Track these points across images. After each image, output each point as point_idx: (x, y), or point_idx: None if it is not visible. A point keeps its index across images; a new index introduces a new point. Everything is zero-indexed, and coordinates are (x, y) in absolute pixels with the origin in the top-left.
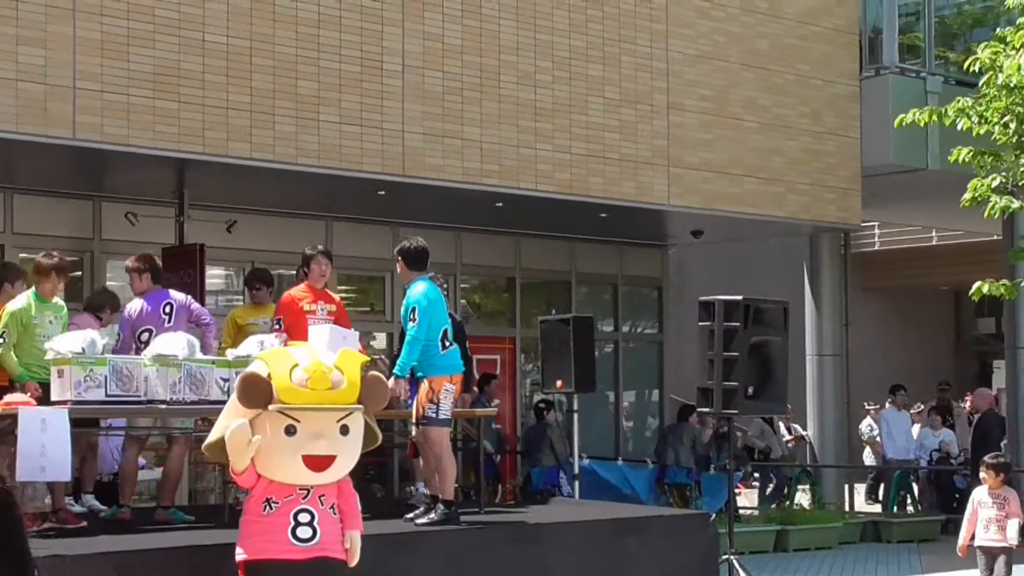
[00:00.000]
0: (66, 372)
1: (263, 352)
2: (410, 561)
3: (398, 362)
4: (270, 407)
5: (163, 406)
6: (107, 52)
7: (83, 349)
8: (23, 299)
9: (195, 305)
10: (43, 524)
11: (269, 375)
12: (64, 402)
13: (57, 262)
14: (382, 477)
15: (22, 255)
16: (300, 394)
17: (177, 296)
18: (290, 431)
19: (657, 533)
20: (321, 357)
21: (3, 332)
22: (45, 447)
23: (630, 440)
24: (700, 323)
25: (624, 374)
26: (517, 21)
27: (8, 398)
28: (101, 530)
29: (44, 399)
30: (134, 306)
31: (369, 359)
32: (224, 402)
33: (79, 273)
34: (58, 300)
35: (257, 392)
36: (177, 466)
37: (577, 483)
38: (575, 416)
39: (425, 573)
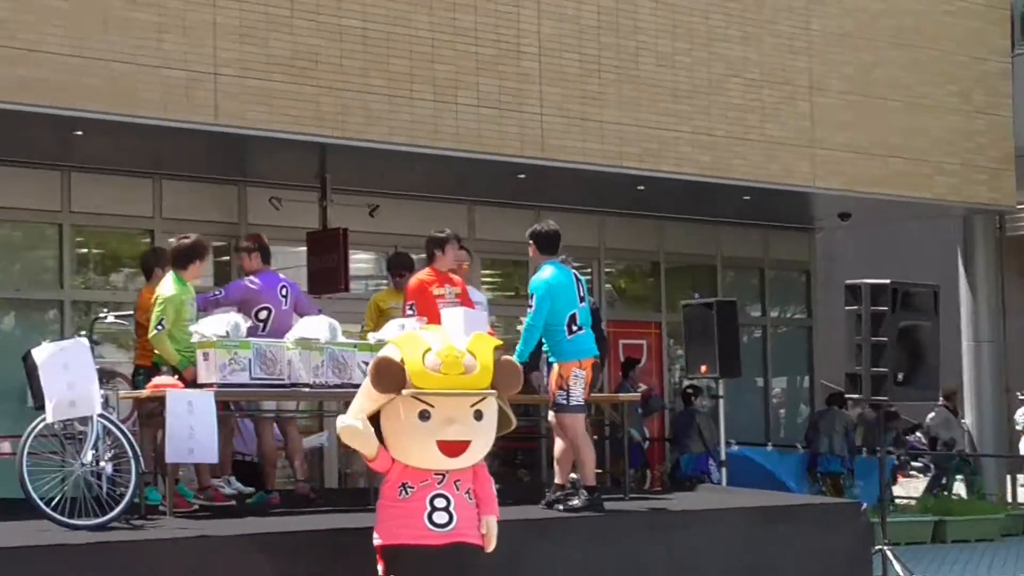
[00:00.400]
0: (211, 355)
1: (396, 336)
2: (550, 547)
3: (516, 349)
4: (404, 392)
5: (306, 389)
6: (246, 38)
7: (227, 332)
8: (171, 284)
9: (304, 295)
10: (192, 505)
11: (402, 360)
12: (210, 385)
13: (197, 242)
14: (529, 462)
15: (171, 240)
16: (433, 379)
17: (289, 280)
18: (424, 416)
19: (806, 522)
20: (453, 341)
21: (161, 318)
22: (193, 429)
23: (781, 427)
24: (847, 307)
25: (773, 359)
26: (655, 1)
27: (156, 380)
28: (248, 511)
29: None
30: (251, 283)
31: (501, 343)
32: None
33: (227, 258)
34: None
35: (390, 376)
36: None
37: (725, 470)
38: (721, 402)
39: (565, 560)
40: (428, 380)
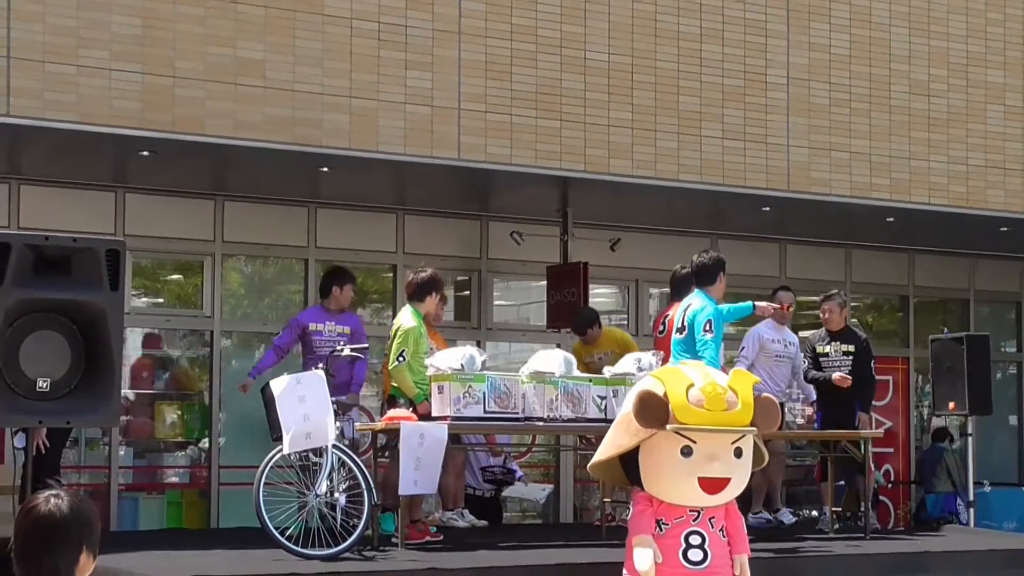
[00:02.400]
0: (446, 388)
1: (655, 371)
2: None
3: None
4: (667, 427)
5: (540, 423)
6: (491, 73)
7: (462, 366)
8: (411, 316)
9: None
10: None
11: (664, 394)
12: (444, 417)
13: (433, 275)
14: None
15: (408, 273)
16: (697, 414)
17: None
18: (686, 452)
19: None
20: (715, 377)
21: (402, 350)
22: (420, 461)
23: None
24: None
25: None
26: (910, 27)
27: (391, 413)
28: (479, 545)
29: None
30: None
31: (758, 379)
32: (601, 420)
33: (467, 293)
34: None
35: (655, 411)
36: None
37: (973, 510)
38: (969, 440)
39: None
40: (691, 415)
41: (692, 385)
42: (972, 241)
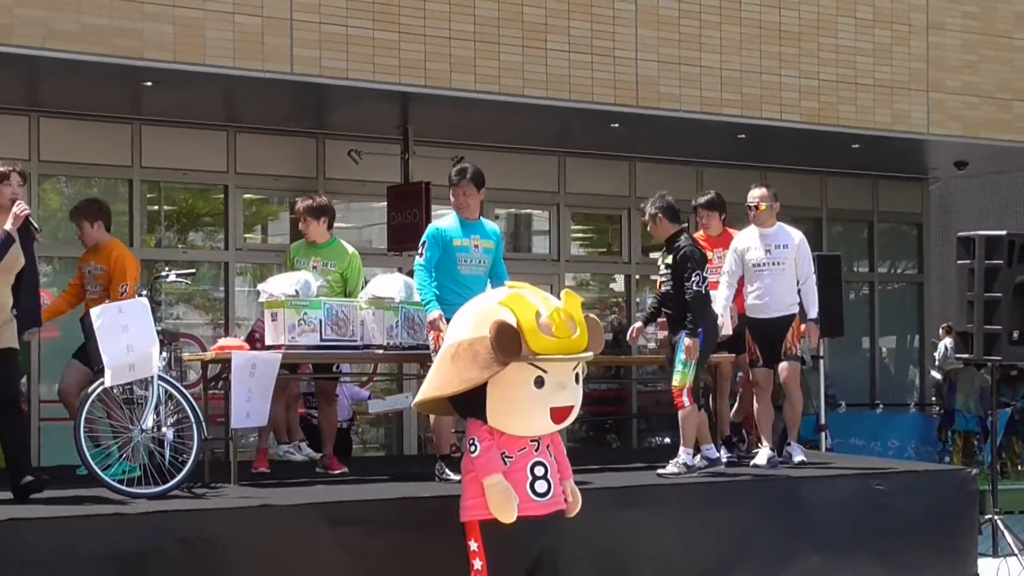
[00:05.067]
0: (280, 315)
1: (502, 298)
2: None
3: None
4: (523, 358)
5: (380, 351)
6: None
7: (297, 291)
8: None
9: None
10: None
11: (517, 323)
12: (278, 346)
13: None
14: (619, 428)
15: (246, 195)
16: (547, 343)
17: None
18: (538, 383)
19: (910, 489)
20: (553, 301)
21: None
22: (251, 392)
23: (889, 388)
24: (959, 261)
25: (880, 318)
26: None
27: (222, 342)
28: (319, 480)
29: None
30: None
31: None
32: None
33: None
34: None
35: (512, 343)
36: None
37: (825, 433)
38: (821, 362)
39: (653, 527)
40: (543, 344)
41: (539, 312)
42: (824, 158)
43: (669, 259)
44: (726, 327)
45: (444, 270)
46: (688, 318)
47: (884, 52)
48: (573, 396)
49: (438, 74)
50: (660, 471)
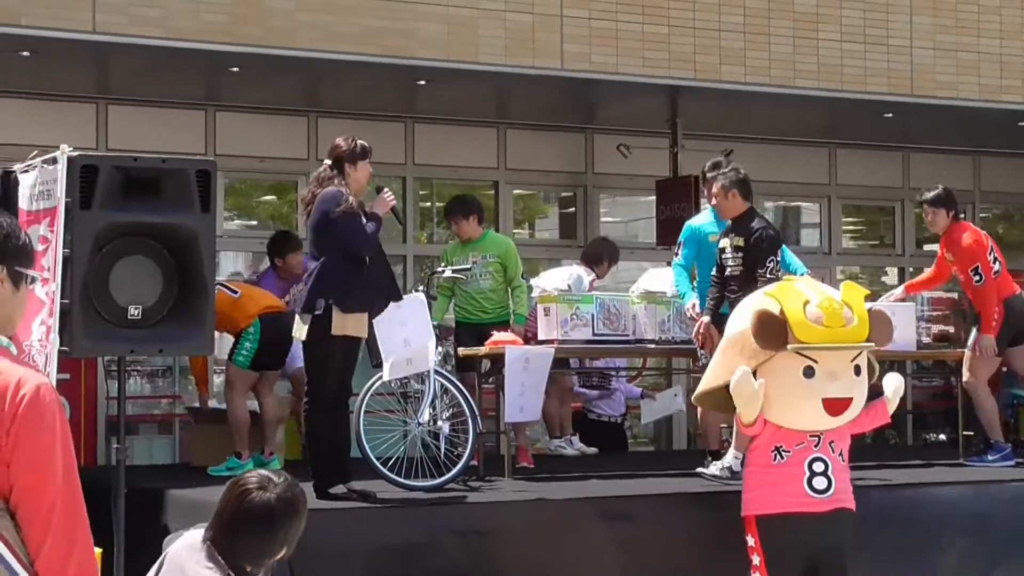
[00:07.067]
0: (552, 310)
1: (770, 288)
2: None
3: None
4: (788, 347)
5: (652, 345)
6: None
7: (569, 286)
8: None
9: None
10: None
11: (781, 312)
12: (551, 341)
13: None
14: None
15: (516, 191)
16: (816, 332)
17: None
18: (808, 373)
19: None
20: (829, 292)
21: None
22: (524, 387)
23: None
24: None
25: None
26: None
27: (496, 337)
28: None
29: None
30: None
31: (870, 292)
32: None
33: (571, 209)
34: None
35: (774, 331)
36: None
37: None
38: None
39: None
40: (811, 334)
41: (808, 302)
42: None
43: (740, 241)
44: None
45: (702, 267)
46: None
47: None
48: (849, 388)
49: (708, 67)
50: (700, 469)
